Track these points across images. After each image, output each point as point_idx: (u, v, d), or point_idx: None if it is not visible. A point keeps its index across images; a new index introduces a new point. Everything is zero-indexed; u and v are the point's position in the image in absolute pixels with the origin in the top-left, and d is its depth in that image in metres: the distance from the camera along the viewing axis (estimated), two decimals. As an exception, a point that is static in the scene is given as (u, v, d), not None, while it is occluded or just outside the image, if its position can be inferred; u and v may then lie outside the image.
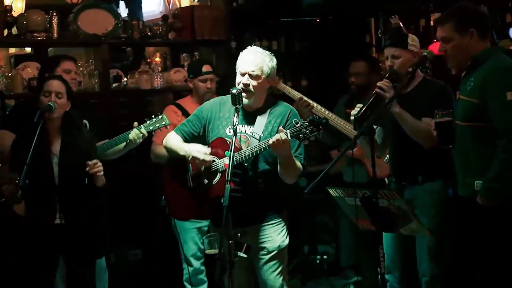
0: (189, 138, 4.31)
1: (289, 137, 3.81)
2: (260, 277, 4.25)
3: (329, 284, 6.31)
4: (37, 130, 4.00)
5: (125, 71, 6.87)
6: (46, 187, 4.20)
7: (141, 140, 4.83)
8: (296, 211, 6.73)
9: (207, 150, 4.13)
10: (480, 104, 3.75)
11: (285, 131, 3.82)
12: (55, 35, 6.13)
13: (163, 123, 4.87)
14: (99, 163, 4.27)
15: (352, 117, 4.27)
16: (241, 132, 4.16)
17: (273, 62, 4.15)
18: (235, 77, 4.19)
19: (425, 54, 4.11)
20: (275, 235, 4.19)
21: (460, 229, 3.97)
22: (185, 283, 5.45)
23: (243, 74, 4.09)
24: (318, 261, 6.62)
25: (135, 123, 4.85)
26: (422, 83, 4.46)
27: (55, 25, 6.11)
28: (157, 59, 7.10)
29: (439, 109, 3.95)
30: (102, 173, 4.28)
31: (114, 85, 6.50)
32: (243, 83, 4.07)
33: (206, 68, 5.45)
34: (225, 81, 6.01)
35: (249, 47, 4.20)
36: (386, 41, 4.51)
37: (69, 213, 4.26)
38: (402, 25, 6.16)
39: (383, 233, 4.38)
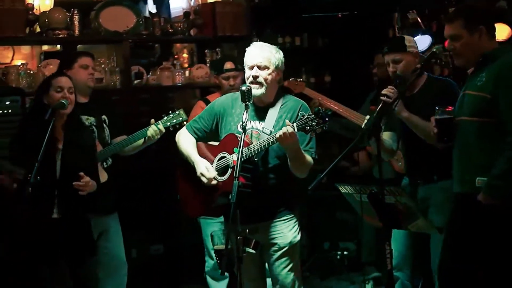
0: (200, 135, 4.34)
1: (296, 130, 3.82)
2: (271, 273, 4.27)
3: (349, 279, 6.31)
4: (48, 127, 4.02)
5: (153, 67, 6.91)
6: (47, 181, 4.16)
7: (159, 136, 4.90)
8: (317, 208, 6.78)
9: (213, 172, 4.13)
10: (491, 99, 3.70)
11: (291, 124, 3.84)
12: (77, 32, 6.20)
13: (180, 118, 4.93)
14: (90, 184, 4.23)
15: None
16: (252, 128, 4.18)
17: (280, 54, 4.18)
18: None
19: (434, 50, 4.07)
20: (287, 231, 4.19)
21: (457, 227, 3.89)
22: (207, 276, 5.50)
23: (251, 67, 4.12)
24: (338, 257, 6.62)
25: (152, 120, 4.91)
26: (426, 84, 4.42)
27: (76, 23, 6.17)
28: (185, 55, 7.18)
29: (439, 106, 3.90)
30: (85, 192, 4.20)
31: (136, 81, 6.56)
32: (252, 76, 4.09)
33: (228, 65, 5.48)
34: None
35: (254, 43, 4.22)
36: (384, 49, 4.48)
37: (67, 208, 4.23)
38: (419, 20, 6.11)
39: (394, 230, 4.40)
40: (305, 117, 3.80)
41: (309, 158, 4.07)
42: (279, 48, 4.22)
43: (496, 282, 3.72)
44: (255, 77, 4.08)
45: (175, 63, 6.81)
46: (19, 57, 7.10)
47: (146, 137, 4.87)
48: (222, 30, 6.79)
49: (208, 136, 4.36)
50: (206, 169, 4.14)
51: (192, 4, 7.16)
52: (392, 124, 4.44)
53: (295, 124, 3.83)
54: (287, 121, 3.92)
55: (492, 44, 3.84)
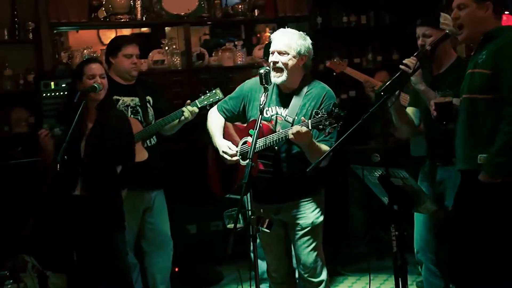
0: (229, 115, 4.45)
1: (310, 128, 3.86)
2: (295, 252, 4.37)
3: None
4: (77, 110, 4.21)
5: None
6: (72, 159, 4.31)
7: (195, 114, 5.02)
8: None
9: (235, 149, 4.24)
10: (492, 75, 3.62)
11: (307, 121, 3.88)
12: (139, 16, 6.44)
13: (217, 97, 5.03)
14: None
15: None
16: (277, 114, 4.24)
17: (305, 40, 4.20)
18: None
19: (447, 31, 4.00)
20: (309, 212, 4.25)
21: (461, 205, 3.80)
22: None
23: (272, 53, 4.18)
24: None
25: (188, 101, 5.04)
26: (455, 64, 4.35)
27: (138, 7, 6.43)
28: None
29: (440, 90, 3.85)
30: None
31: (197, 63, 6.74)
32: (272, 61, 4.16)
33: None
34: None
35: (281, 29, 4.28)
36: (418, 20, 4.42)
37: (90, 187, 4.38)
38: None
39: (416, 213, 4.39)
40: (319, 115, 3.82)
41: (325, 147, 4.05)
42: (306, 33, 4.26)
43: (497, 262, 3.62)
44: (275, 63, 4.15)
45: (236, 44, 6.93)
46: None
47: (183, 117, 5.01)
48: (282, 10, 6.87)
49: (237, 117, 4.46)
50: (228, 147, 4.25)
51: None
52: (417, 101, 4.42)
53: (309, 121, 3.87)
54: (302, 118, 3.98)
55: (496, 24, 3.75)
